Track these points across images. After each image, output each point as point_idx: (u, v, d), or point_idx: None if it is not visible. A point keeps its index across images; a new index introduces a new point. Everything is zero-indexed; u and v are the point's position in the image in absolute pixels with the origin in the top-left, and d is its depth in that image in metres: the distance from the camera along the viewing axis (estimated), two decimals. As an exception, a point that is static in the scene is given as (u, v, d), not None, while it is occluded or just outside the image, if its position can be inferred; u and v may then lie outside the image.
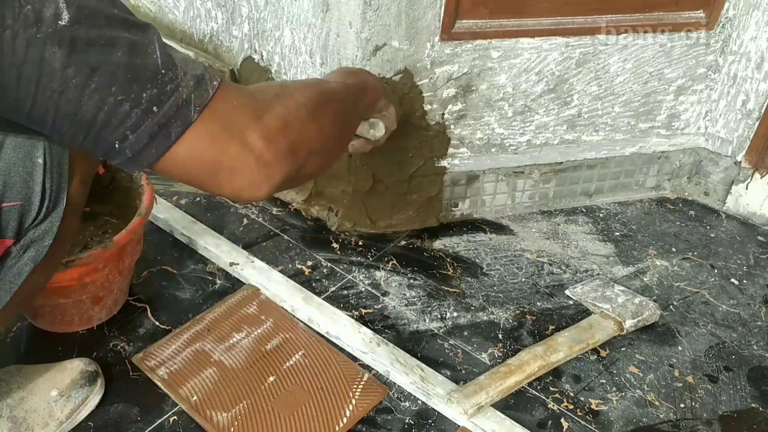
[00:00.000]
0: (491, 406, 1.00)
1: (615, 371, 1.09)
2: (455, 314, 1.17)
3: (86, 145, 0.54)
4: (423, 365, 1.05)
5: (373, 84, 0.92)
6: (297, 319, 1.12)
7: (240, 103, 0.60)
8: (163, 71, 0.54)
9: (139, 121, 0.53)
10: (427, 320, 1.15)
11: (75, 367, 0.94)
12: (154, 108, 0.53)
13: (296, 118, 0.64)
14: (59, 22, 0.48)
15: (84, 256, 0.94)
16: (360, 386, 1.01)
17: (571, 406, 1.02)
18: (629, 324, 1.14)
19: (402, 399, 1.01)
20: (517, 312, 1.19)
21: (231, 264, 1.21)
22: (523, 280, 1.26)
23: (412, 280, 1.23)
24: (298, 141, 0.64)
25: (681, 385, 1.07)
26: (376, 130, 1.00)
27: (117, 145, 0.54)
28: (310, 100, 0.68)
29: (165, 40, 0.56)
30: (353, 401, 0.99)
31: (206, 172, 0.59)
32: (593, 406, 1.03)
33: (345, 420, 0.96)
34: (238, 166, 0.59)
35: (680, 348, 1.14)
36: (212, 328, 1.08)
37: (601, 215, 1.46)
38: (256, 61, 1.30)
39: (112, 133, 0.53)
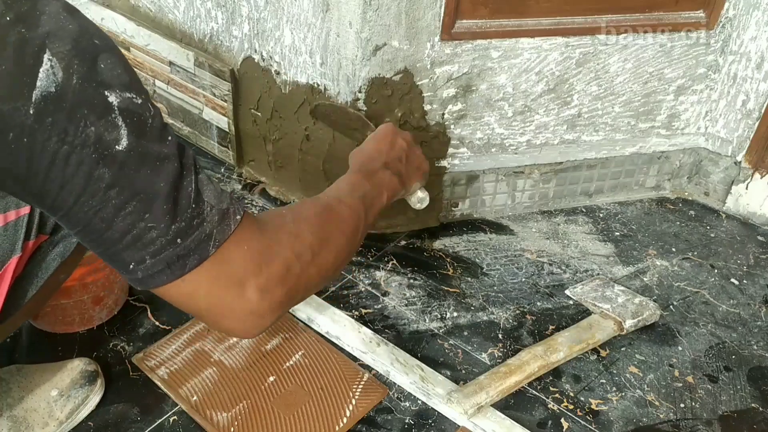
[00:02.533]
0: (491, 405, 1.00)
1: (615, 371, 1.09)
2: (455, 314, 1.17)
3: (102, 255, 0.55)
4: (423, 365, 1.05)
5: (390, 182, 0.88)
6: (297, 319, 1.12)
7: (251, 248, 0.60)
8: (193, 206, 0.55)
9: (161, 249, 0.54)
10: (427, 320, 1.15)
11: (75, 366, 0.94)
12: (179, 240, 0.55)
13: (299, 263, 0.64)
14: (117, 146, 0.50)
15: (86, 257, 0.94)
16: (360, 386, 1.01)
17: (571, 406, 1.02)
18: (629, 324, 1.14)
19: (402, 399, 1.01)
20: (517, 312, 1.19)
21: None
22: (523, 280, 1.26)
23: (412, 280, 1.23)
24: (296, 287, 0.64)
25: (681, 385, 1.07)
26: (416, 200, 1.00)
27: (132, 266, 0.55)
28: (317, 239, 0.68)
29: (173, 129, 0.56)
30: (353, 401, 0.99)
31: (202, 309, 0.60)
32: (593, 406, 1.02)
33: (345, 420, 0.96)
34: (231, 313, 0.60)
35: (680, 348, 1.14)
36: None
37: (601, 215, 1.46)
38: (256, 61, 1.30)
39: (133, 255, 0.54)
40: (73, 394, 0.91)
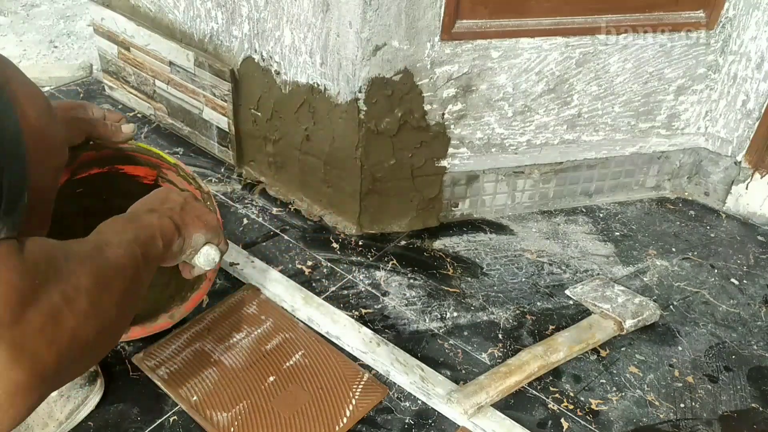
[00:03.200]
0: (491, 405, 1.00)
1: (615, 371, 1.09)
2: (455, 314, 1.17)
3: None
4: (423, 365, 1.05)
5: (161, 224, 0.74)
6: (297, 319, 1.12)
7: (5, 283, 0.44)
8: None
9: None
10: (427, 320, 1.15)
11: None
12: None
13: (73, 313, 0.49)
14: None
15: None
16: (360, 386, 1.01)
17: (571, 406, 1.02)
18: (629, 324, 1.14)
19: (402, 399, 1.01)
20: (517, 312, 1.19)
21: (231, 264, 1.21)
22: (523, 280, 1.26)
23: (412, 280, 1.23)
24: (69, 348, 0.48)
25: (681, 385, 1.07)
26: (201, 262, 0.84)
27: None
28: (95, 283, 0.53)
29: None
30: (353, 401, 0.99)
31: None
32: (593, 406, 1.02)
33: (345, 420, 0.96)
34: None
35: (680, 348, 1.14)
36: (212, 328, 1.08)
37: (601, 215, 1.46)
38: (256, 61, 1.30)
39: None
40: (73, 394, 0.91)
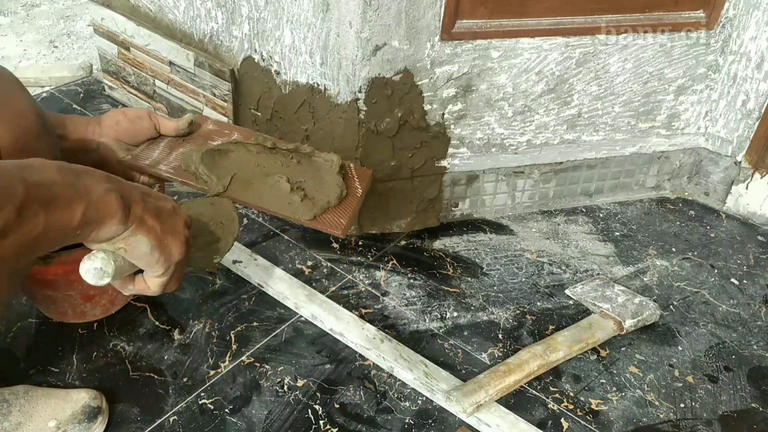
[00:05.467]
0: (495, 402, 1.00)
1: (615, 371, 1.09)
2: (455, 314, 1.17)
3: None
4: (427, 361, 1.05)
5: (99, 194, 0.57)
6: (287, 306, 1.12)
7: None
8: None
9: None
10: (427, 320, 1.15)
11: (80, 398, 0.92)
12: None
13: None
14: None
15: (63, 255, 0.94)
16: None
17: (571, 406, 1.02)
18: (629, 324, 1.14)
19: (402, 399, 1.01)
20: (517, 312, 1.19)
21: (234, 262, 1.21)
22: (523, 280, 1.26)
23: (412, 280, 1.24)
24: None
25: (681, 385, 1.07)
26: (98, 272, 0.61)
27: None
28: None
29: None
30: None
31: None
32: (593, 406, 1.03)
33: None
34: None
35: (680, 348, 1.14)
36: (186, 139, 1.03)
37: (601, 215, 1.46)
38: (256, 61, 1.30)
39: None
40: (70, 429, 0.90)
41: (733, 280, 1.30)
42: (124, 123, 0.95)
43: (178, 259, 0.66)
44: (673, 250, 1.37)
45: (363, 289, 1.21)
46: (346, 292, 1.20)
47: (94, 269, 0.61)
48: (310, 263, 1.25)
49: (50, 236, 0.53)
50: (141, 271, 0.67)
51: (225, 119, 1.38)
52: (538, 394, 1.04)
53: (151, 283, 0.67)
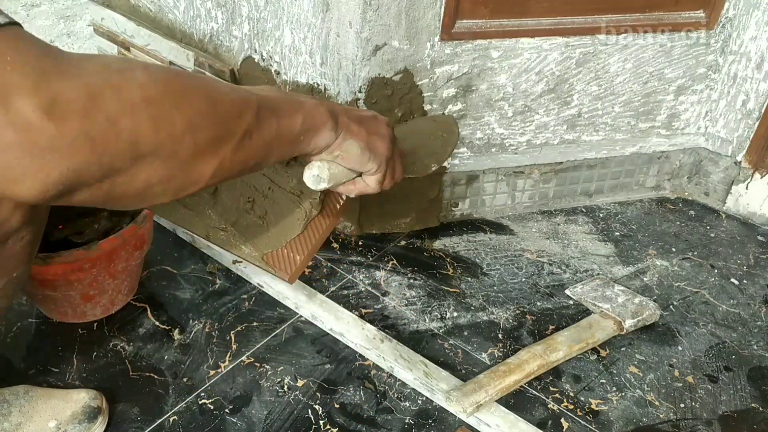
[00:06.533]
0: (495, 402, 1.00)
1: (615, 371, 1.09)
2: (455, 314, 1.17)
3: None
4: (427, 361, 1.05)
5: (311, 106, 0.66)
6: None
7: (28, 51, 0.42)
8: None
9: None
10: (427, 320, 1.15)
11: (80, 399, 0.92)
12: None
13: (117, 97, 0.45)
14: None
15: (64, 255, 0.94)
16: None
17: (571, 406, 1.02)
18: (629, 324, 1.14)
19: (402, 399, 1.01)
20: (517, 312, 1.19)
21: (234, 262, 1.21)
22: (523, 280, 1.26)
23: (412, 280, 1.24)
24: (111, 128, 0.44)
25: (681, 385, 1.07)
26: (315, 178, 0.72)
27: None
28: (158, 86, 0.48)
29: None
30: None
31: None
32: (593, 406, 1.03)
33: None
34: None
35: (680, 348, 1.14)
36: None
37: (601, 215, 1.46)
38: (256, 61, 1.30)
39: None
40: (70, 429, 0.89)
41: (733, 280, 1.30)
42: None
43: (386, 155, 0.75)
44: (673, 250, 1.37)
45: (363, 289, 1.21)
46: (346, 292, 1.20)
47: (312, 176, 0.71)
48: (310, 263, 1.25)
49: (283, 140, 0.62)
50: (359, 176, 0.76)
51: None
52: (538, 394, 1.04)
53: (369, 181, 0.76)
